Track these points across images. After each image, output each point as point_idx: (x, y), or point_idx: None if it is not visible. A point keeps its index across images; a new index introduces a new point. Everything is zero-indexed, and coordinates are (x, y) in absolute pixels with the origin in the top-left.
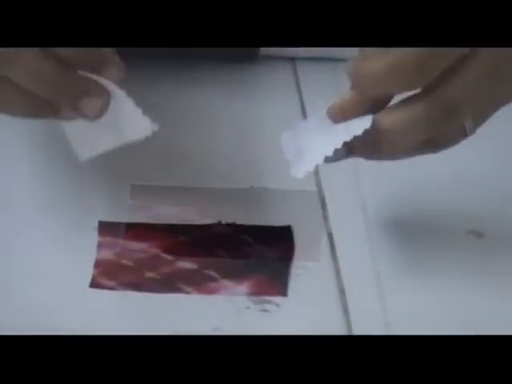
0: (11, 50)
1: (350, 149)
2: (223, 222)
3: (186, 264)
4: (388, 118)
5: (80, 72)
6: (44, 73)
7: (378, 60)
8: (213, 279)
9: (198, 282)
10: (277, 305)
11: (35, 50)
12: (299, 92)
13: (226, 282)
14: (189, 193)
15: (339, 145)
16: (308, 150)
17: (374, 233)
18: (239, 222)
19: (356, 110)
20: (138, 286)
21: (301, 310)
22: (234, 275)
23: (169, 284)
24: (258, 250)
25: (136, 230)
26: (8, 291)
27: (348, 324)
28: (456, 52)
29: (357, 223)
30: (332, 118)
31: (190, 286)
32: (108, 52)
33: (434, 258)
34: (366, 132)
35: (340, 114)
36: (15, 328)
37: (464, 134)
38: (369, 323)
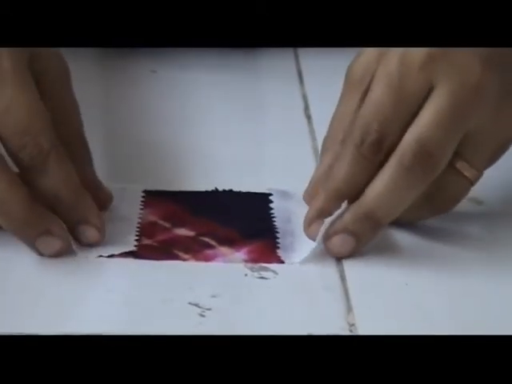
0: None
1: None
2: (220, 190)
3: (183, 231)
4: (370, 199)
5: (44, 210)
6: (11, 207)
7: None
8: (210, 246)
9: (195, 249)
10: (274, 272)
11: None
12: (301, 80)
13: (223, 249)
14: None
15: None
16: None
17: None
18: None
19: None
20: (135, 253)
21: (298, 278)
22: (232, 242)
23: (166, 251)
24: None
25: None
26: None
27: (346, 292)
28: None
29: None
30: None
31: (187, 254)
32: (91, 213)
33: (438, 224)
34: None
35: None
36: None
37: (467, 181)
38: (367, 290)
